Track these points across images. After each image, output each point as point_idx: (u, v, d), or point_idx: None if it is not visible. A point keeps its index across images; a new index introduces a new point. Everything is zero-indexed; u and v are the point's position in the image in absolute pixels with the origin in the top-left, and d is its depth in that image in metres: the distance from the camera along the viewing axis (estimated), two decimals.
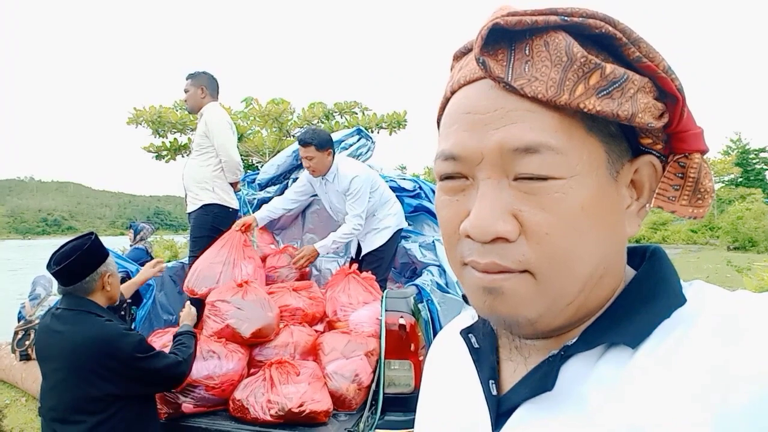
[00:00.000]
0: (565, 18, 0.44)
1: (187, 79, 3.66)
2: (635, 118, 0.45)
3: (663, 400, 0.42)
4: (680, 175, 0.52)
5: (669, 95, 0.47)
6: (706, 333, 0.44)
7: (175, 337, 2.43)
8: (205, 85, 3.63)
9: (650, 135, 0.49)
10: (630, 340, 0.47)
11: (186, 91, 3.65)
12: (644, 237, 27.22)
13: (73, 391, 1.98)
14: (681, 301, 0.48)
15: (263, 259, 4.16)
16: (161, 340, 2.77)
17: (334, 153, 3.49)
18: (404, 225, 3.74)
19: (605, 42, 0.45)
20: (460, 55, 0.54)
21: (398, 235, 3.74)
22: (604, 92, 0.44)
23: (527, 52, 0.45)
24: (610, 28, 0.44)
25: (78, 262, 2.09)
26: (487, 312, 0.50)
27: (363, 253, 3.74)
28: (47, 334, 2.09)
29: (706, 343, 0.43)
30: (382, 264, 3.59)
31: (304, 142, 3.38)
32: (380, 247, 3.64)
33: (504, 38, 0.46)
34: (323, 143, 3.37)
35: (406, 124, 9.72)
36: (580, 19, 0.44)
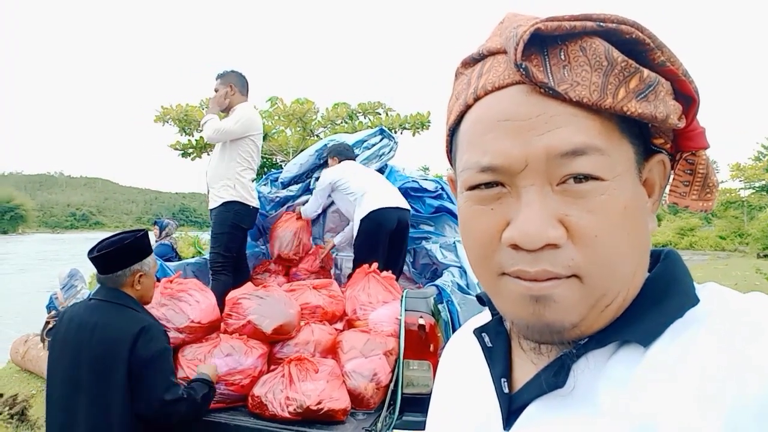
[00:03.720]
0: (601, 24, 0.45)
1: (216, 78, 3.70)
2: (669, 120, 0.46)
3: (674, 398, 0.42)
4: (689, 171, 0.53)
5: (684, 96, 0.48)
6: (718, 332, 0.44)
7: (190, 382, 2.28)
8: (234, 83, 3.67)
9: (662, 135, 0.50)
10: (642, 338, 0.47)
11: (216, 91, 3.68)
12: (671, 242, 26.72)
13: (92, 389, 1.99)
14: (694, 301, 0.49)
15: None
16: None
17: (340, 160, 4.09)
18: (367, 212, 3.69)
19: (630, 47, 0.46)
20: (471, 62, 0.53)
21: (366, 224, 3.71)
22: (642, 95, 0.45)
23: (563, 56, 0.46)
24: (640, 34, 0.45)
25: (115, 253, 2.14)
26: (532, 321, 0.48)
27: None
28: (78, 325, 2.09)
29: (718, 342, 0.44)
30: (356, 255, 3.78)
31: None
32: (354, 240, 3.87)
33: (535, 43, 0.46)
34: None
35: (429, 125, 9.66)
36: (614, 25, 0.45)
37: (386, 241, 3.74)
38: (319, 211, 4.40)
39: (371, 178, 3.97)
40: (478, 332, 0.62)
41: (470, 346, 0.64)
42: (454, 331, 2.93)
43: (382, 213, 3.69)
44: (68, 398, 2.04)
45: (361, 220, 3.71)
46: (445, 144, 0.58)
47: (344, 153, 4.12)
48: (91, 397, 2.00)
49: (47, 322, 5.53)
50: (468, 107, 0.51)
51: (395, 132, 9.20)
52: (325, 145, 4.42)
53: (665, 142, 0.51)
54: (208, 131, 3.51)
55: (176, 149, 9.34)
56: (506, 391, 0.55)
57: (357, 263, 3.60)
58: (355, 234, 3.81)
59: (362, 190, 3.80)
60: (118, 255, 2.16)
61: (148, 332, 2.06)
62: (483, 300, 0.64)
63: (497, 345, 0.59)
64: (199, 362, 2.54)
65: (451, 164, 0.59)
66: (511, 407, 0.54)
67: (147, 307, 2.33)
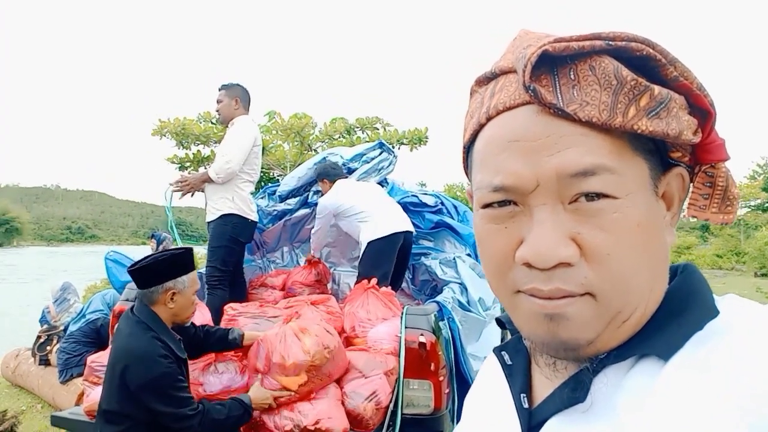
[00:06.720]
0: (610, 42, 0.45)
1: (220, 89, 3.68)
2: (682, 136, 0.46)
3: (694, 411, 0.42)
4: (708, 184, 0.53)
5: (700, 110, 0.48)
6: (739, 344, 0.44)
7: (229, 398, 2.30)
8: (239, 97, 3.66)
9: (680, 148, 0.50)
10: (662, 351, 0.47)
11: (219, 102, 3.66)
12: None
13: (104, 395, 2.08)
14: (713, 313, 0.48)
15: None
16: None
17: (331, 181, 3.92)
18: (376, 236, 3.58)
19: (642, 63, 0.46)
20: (485, 80, 0.54)
21: (374, 247, 3.58)
22: (653, 113, 0.45)
23: (572, 76, 0.46)
24: (651, 50, 0.46)
25: (147, 270, 2.13)
26: (547, 338, 0.49)
27: None
28: (116, 328, 2.21)
29: (738, 354, 0.43)
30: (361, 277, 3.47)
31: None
32: (360, 261, 3.72)
33: (545, 63, 0.47)
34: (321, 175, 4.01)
35: (427, 141, 9.69)
36: (624, 43, 0.45)
37: (392, 264, 3.65)
38: (328, 239, 4.34)
39: (374, 196, 3.85)
40: (498, 350, 0.64)
41: (495, 365, 0.65)
42: (455, 349, 2.87)
43: (391, 239, 3.60)
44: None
45: (369, 243, 3.58)
46: (462, 160, 0.59)
47: (334, 173, 3.96)
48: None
49: (39, 337, 5.42)
50: (481, 126, 0.52)
51: (393, 147, 9.21)
52: (324, 158, 4.37)
53: (683, 155, 0.51)
54: (223, 175, 3.45)
55: (173, 163, 9.32)
56: (526, 406, 0.56)
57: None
58: (361, 255, 3.65)
59: (369, 211, 3.67)
60: (150, 271, 2.13)
61: (150, 358, 2.01)
62: (503, 323, 0.64)
63: (517, 362, 0.61)
64: (192, 379, 2.47)
65: (468, 179, 0.60)
66: (531, 422, 0.54)
67: None
